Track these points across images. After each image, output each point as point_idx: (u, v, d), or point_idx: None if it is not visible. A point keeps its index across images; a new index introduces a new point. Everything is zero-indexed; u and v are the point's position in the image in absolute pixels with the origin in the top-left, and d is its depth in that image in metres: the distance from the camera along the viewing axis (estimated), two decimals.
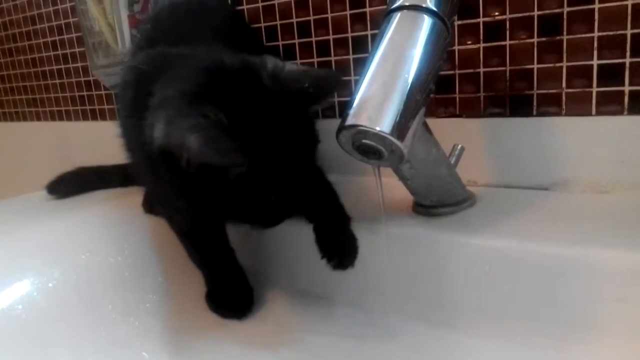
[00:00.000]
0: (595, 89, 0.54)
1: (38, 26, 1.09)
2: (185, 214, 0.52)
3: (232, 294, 0.56)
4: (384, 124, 0.39)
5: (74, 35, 1.02)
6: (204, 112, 0.37)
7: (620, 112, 0.53)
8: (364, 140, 0.41)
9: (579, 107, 0.55)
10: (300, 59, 0.73)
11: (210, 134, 0.36)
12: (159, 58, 0.49)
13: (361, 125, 0.40)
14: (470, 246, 0.48)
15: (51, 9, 1.04)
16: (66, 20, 1.03)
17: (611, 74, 0.53)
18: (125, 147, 0.53)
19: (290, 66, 0.42)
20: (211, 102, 0.38)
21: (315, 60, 0.72)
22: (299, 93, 0.41)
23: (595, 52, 0.53)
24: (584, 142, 0.55)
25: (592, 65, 0.53)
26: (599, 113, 0.54)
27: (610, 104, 0.53)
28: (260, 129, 0.40)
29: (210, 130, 0.37)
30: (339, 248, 0.50)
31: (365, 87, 0.41)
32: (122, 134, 0.52)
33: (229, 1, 0.77)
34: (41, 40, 1.10)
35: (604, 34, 0.52)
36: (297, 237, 0.55)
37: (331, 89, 0.42)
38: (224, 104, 0.38)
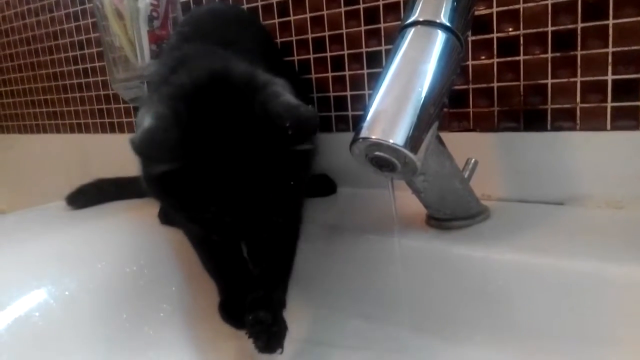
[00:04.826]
0: (610, 104, 0.54)
1: (60, 41, 1.12)
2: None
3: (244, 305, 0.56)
4: (398, 137, 0.40)
5: (94, 50, 1.05)
6: (174, 106, 0.39)
7: (635, 127, 0.53)
8: (377, 153, 0.41)
9: (593, 122, 0.55)
10: (315, 73, 0.74)
11: (156, 124, 0.37)
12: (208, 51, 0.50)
13: (375, 138, 0.40)
14: (484, 260, 0.48)
15: (73, 24, 1.07)
16: (87, 36, 1.05)
17: (626, 89, 0.53)
18: None
19: (284, 99, 0.41)
20: (188, 103, 0.39)
21: (330, 74, 0.72)
22: (279, 131, 0.40)
23: (609, 67, 0.53)
24: (599, 157, 0.55)
25: (606, 81, 0.53)
26: (614, 128, 0.54)
27: (625, 119, 0.53)
28: (219, 141, 0.40)
29: (159, 121, 0.38)
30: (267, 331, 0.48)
31: (379, 101, 0.42)
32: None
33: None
34: (62, 55, 1.12)
35: (619, 49, 0.52)
36: (311, 250, 0.56)
37: (308, 133, 0.41)
38: (198, 108, 0.40)
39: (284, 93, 0.42)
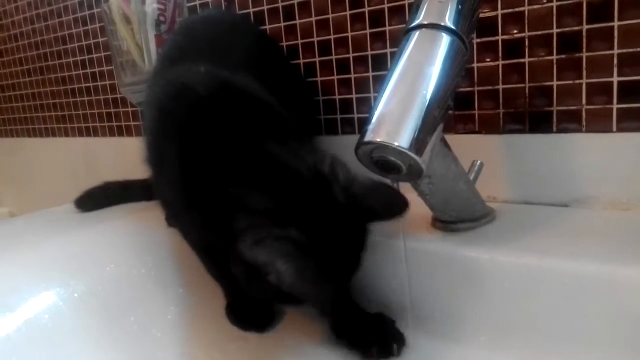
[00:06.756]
0: (615, 106, 0.53)
1: (68, 46, 1.13)
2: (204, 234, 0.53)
3: (252, 308, 0.56)
4: (403, 140, 0.40)
5: (102, 54, 1.06)
6: (291, 236, 0.39)
7: None
8: (382, 156, 0.42)
9: (599, 123, 0.55)
10: (321, 76, 0.74)
11: (301, 266, 0.38)
12: (221, 91, 0.50)
13: (380, 141, 0.40)
14: (490, 262, 0.48)
15: (81, 29, 1.08)
16: (95, 40, 1.06)
17: (632, 91, 0.52)
18: (149, 161, 0.54)
19: (360, 179, 0.44)
20: (294, 224, 0.40)
21: (336, 77, 0.73)
22: (368, 211, 0.43)
23: (615, 69, 0.53)
24: (604, 159, 0.55)
25: (612, 82, 0.53)
26: (620, 130, 0.54)
27: (631, 121, 0.53)
28: (336, 249, 0.42)
29: (301, 261, 0.39)
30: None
31: (384, 104, 0.42)
32: (150, 148, 0.53)
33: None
34: (71, 60, 1.13)
35: (625, 51, 0.52)
36: None
37: (399, 214, 0.43)
38: (306, 226, 0.40)
39: (354, 175, 0.44)
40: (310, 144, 0.47)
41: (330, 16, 0.71)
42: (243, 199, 0.42)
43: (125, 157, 0.91)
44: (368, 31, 0.69)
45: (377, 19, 0.67)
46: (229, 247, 0.41)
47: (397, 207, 0.43)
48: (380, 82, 0.44)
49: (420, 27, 0.43)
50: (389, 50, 0.67)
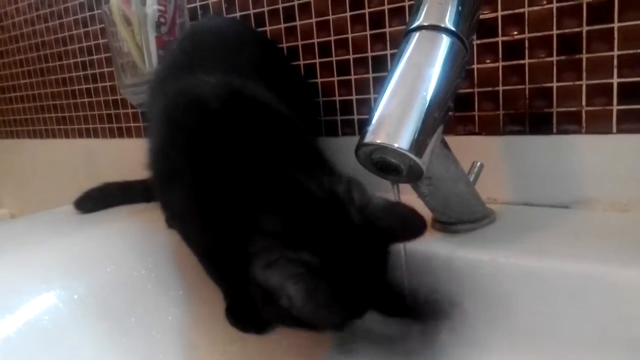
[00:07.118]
0: (615, 107, 0.53)
1: (69, 47, 1.13)
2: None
3: (251, 309, 0.56)
4: (402, 141, 0.40)
5: (102, 55, 1.06)
6: (303, 258, 0.39)
7: None
8: (382, 157, 0.42)
9: (599, 125, 0.55)
10: (321, 78, 0.74)
11: (312, 288, 0.38)
12: (233, 103, 0.49)
13: (380, 142, 0.40)
14: (490, 263, 0.48)
15: (82, 30, 1.08)
16: (95, 42, 1.06)
17: (632, 92, 0.52)
18: (152, 167, 0.54)
19: (375, 200, 0.43)
20: (307, 247, 0.40)
21: (336, 78, 0.73)
22: (385, 232, 0.42)
23: (615, 70, 0.53)
24: (604, 160, 0.55)
25: (612, 84, 0.53)
26: (620, 131, 0.54)
27: (631, 122, 0.53)
28: (351, 274, 0.41)
29: (312, 283, 0.38)
30: None
31: (384, 105, 0.42)
32: (155, 156, 0.53)
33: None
34: (71, 61, 1.13)
35: (624, 52, 0.52)
36: None
37: (417, 234, 0.43)
38: (319, 248, 0.40)
39: (370, 195, 0.44)
40: (327, 164, 0.47)
41: (330, 17, 0.71)
42: (257, 220, 0.42)
43: (125, 158, 0.91)
44: (368, 32, 0.69)
45: (377, 20, 0.67)
46: (244, 268, 0.40)
47: (414, 226, 0.42)
48: (380, 84, 0.44)
49: (420, 28, 0.43)
50: (389, 52, 0.67)
